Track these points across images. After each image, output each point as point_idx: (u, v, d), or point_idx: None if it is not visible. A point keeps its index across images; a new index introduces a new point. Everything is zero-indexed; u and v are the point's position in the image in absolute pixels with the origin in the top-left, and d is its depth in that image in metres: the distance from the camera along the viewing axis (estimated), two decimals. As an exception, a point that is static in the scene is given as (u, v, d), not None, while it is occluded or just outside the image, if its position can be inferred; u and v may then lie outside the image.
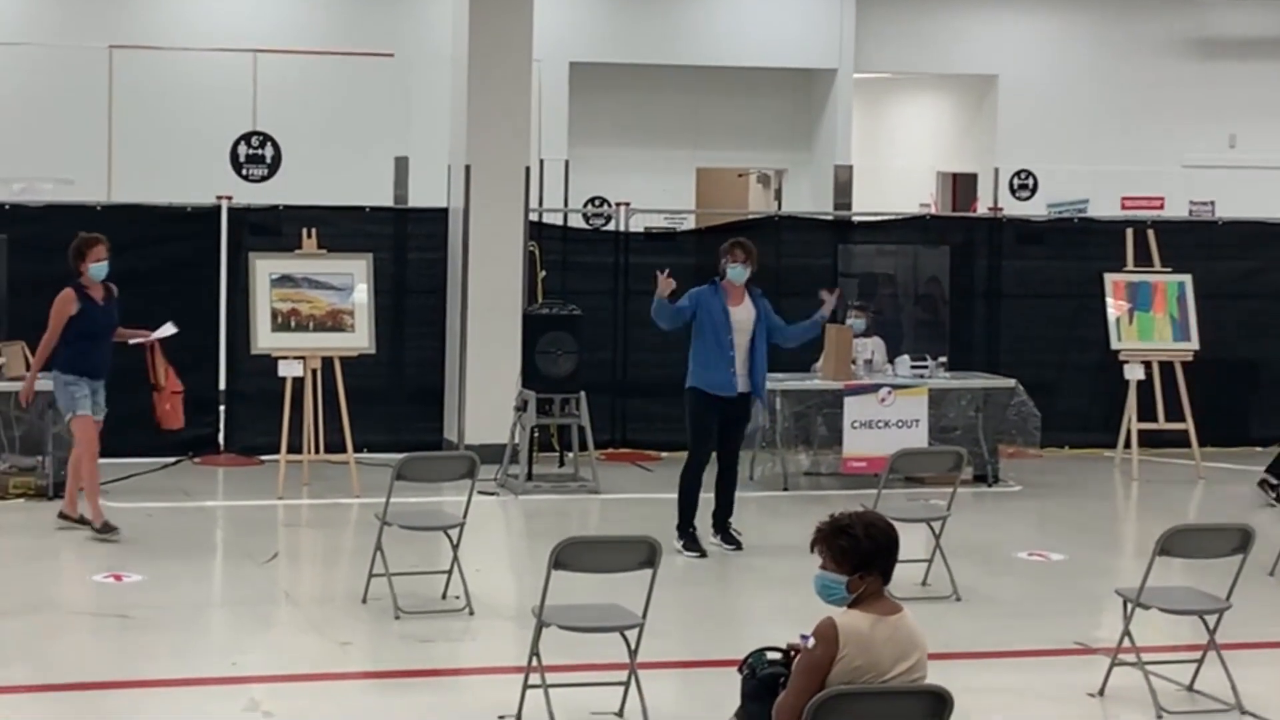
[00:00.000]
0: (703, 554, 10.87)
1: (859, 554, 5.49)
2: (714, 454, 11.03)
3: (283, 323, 12.95)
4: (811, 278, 15.12)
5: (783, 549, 10.87)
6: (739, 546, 11.02)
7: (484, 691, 8.00)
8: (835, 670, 5.35)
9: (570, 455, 13.51)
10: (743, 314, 10.93)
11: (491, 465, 12.75)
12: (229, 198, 14.20)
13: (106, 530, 10.84)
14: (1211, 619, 7.97)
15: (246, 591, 10.00)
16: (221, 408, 13.95)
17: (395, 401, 14.41)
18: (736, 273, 10.91)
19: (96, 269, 10.94)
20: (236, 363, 13.79)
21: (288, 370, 12.79)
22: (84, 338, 10.88)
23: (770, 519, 11.89)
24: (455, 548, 9.38)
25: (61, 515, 11.19)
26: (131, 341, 11.40)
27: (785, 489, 13.13)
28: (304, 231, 13.25)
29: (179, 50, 18.89)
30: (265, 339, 12.89)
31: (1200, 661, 8.04)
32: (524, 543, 11.83)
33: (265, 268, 13.06)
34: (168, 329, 11.66)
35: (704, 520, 11.07)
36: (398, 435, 13.93)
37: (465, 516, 9.49)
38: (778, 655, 5.96)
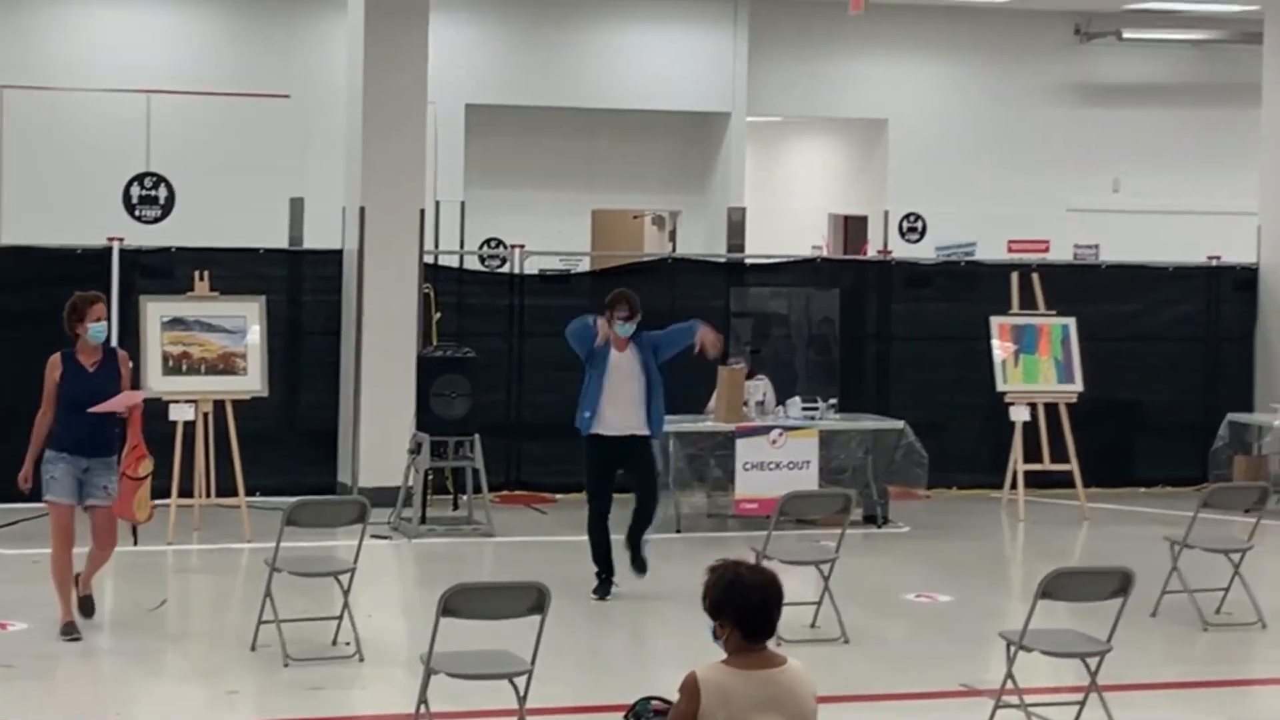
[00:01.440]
0: (602, 598, 10.93)
1: (707, 600, 5.52)
2: (615, 498, 11.12)
3: (174, 366, 12.92)
4: (705, 320, 15.25)
5: (675, 593, 10.92)
6: (642, 570, 11.08)
7: (374, 739, 8.01)
8: (699, 726, 5.35)
9: (464, 498, 13.54)
10: (625, 360, 10.99)
11: (385, 508, 12.76)
12: (121, 239, 14.12)
13: (67, 631, 9.64)
14: (1093, 661, 8.10)
15: (134, 639, 9.92)
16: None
17: (289, 444, 14.37)
18: (624, 329, 10.97)
19: (96, 330, 9.72)
20: (127, 405, 13.67)
21: (179, 414, 12.75)
22: (67, 409, 9.60)
23: (663, 562, 11.93)
24: (346, 593, 9.37)
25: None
26: (93, 410, 9.65)
27: (679, 531, 13.20)
28: (196, 274, 13.22)
29: (72, 91, 18.77)
30: (156, 382, 12.83)
31: (1082, 703, 8.15)
32: (416, 588, 11.83)
33: (157, 310, 13.02)
34: (128, 398, 9.86)
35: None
36: (292, 478, 13.90)
37: (356, 562, 9.50)
38: (663, 705, 6.00)
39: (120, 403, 9.79)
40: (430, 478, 13.42)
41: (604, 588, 11.05)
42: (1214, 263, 16.35)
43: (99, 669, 9.47)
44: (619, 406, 10.93)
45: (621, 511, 11.11)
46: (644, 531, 11.08)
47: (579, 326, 10.99)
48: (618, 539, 11.09)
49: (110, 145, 18.45)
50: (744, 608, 5.43)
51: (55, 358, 9.79)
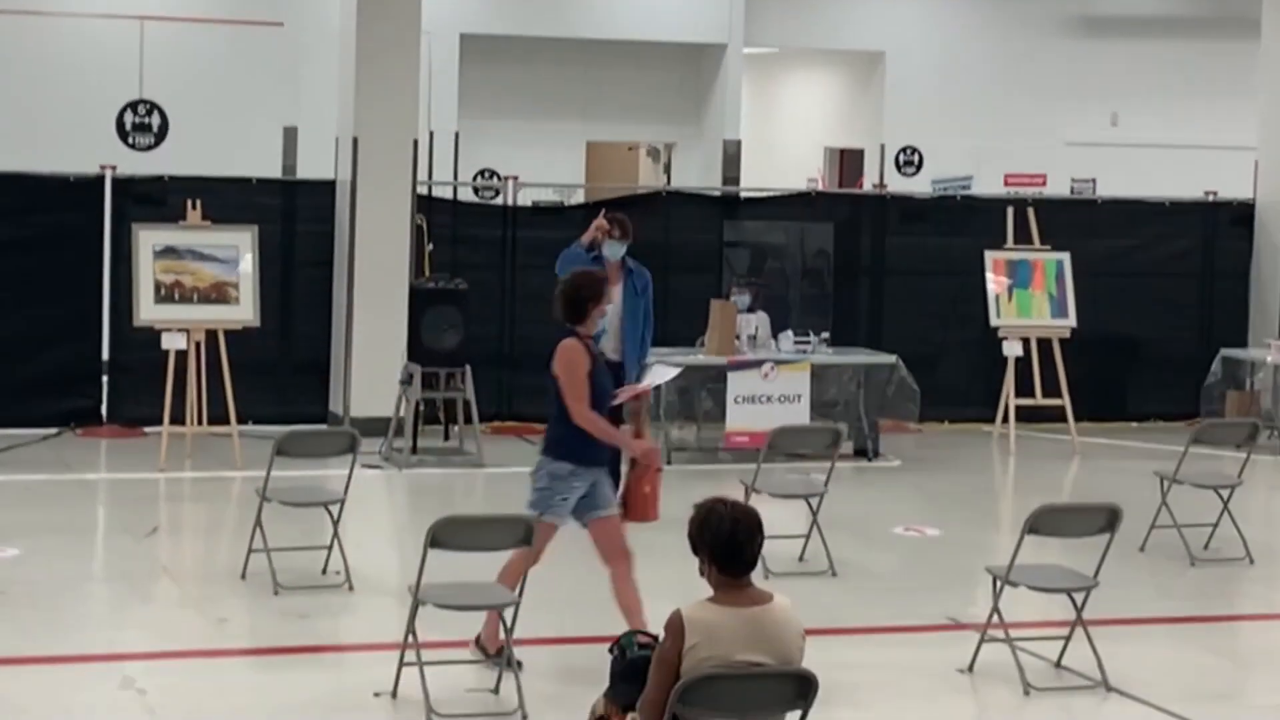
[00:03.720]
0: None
1: (689, 538, 5.55)
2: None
3: (166, 295, 12.88)
4: (699, 253, 15.27)
5: (664, 525, 10.87)
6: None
7: (362, 668, 8.03)
8: (686, 662, 5.38)
9: (456, 429, 13.55)
10: (614, 292, 10.94)
11: (377, 438, 12.78)
12: (113, 167, 14.07)
13: (490, 655, 7.87)
14: (1079, 596, 8.13)
15: (124, 566, 9.96)
16: (105, 378, 13.86)
17: (281, 374, 14.36)
18: (613, 249, 10.91)
19: (601, 315, 7.98)
20: (120, 333, 13.68)
21: (170, 342, 12.72)
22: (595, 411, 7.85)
23: (652, 493, 11.96)
24: (336, 523, 9.39)
25: (477, 643, 7.95)
26: (622, 398, 8.28)
27: (669, 463, 13.19)
28: (189, 203, 13.18)
29: (64, 16, 18.66)
30: (148, 311, 12.81)
31: (1068, 638, 8.19)
32: (407, 517, 11.85)
33: (149, 239, 12.97)
34: (663, 372, 9.15)
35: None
36: (284, 407, 13.90)
37: (346, 492, 9.51)
38: (649, 639, 6.01)
39: (655, 379, 9.01)
40: (422, 409, 13.42)
41: None
42: (1211, 198, 16.31)
43: (89, 595, 9.49)
44: (611, 339, 10.91)
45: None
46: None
47: (569, 254, 10.88)
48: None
49: (103, 72, 18.37)
50: (716, 540, 5.47)
51: (578, 345, 7.80)
